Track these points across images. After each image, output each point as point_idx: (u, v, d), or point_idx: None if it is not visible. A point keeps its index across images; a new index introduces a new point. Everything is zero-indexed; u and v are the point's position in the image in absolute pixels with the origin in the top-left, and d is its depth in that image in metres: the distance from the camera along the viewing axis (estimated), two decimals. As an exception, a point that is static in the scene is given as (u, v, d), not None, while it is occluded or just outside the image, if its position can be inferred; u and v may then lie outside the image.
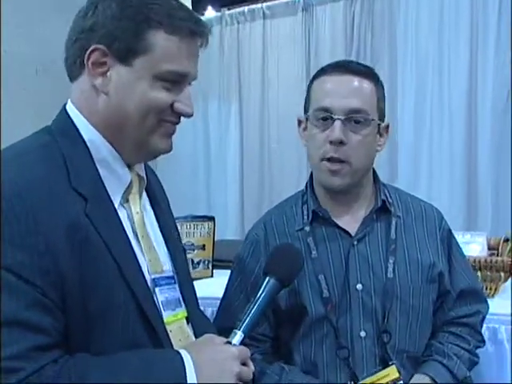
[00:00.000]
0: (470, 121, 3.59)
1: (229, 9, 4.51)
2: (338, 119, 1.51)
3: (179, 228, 2.62)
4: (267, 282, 1.27)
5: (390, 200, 1.62)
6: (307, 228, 1.59)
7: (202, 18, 4.73)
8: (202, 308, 2.17)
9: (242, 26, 4.38)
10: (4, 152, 1.10)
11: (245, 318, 1.22)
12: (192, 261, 2.59)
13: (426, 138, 3.75)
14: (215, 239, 2.69)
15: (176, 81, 1.15)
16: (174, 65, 1.14)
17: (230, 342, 1.18)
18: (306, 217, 1.61)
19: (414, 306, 1.56)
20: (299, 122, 1.66)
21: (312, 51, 4.09)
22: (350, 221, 1.60)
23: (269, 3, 4.30)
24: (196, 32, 1.16)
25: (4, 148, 1.14)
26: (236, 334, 1.19)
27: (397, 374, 1.51)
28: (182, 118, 1.20)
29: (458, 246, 1.73)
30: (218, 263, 2.60)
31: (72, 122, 1.16)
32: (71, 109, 1.18)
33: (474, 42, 3.55)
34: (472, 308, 1.69)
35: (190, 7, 5.52)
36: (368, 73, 1.60)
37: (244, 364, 1.16)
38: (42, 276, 0.98)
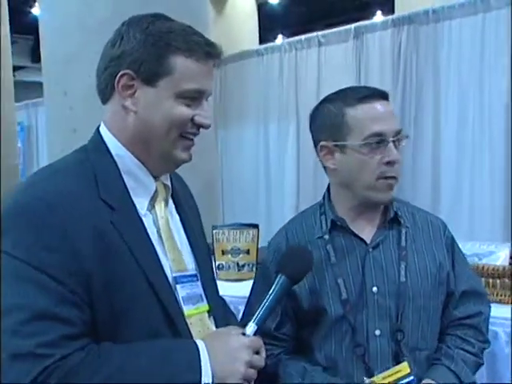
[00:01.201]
0: (510, 140, 3.52)
1: (295, 35, 4.61)
2: (392, 141, 1.53)
3: (227, 234, 2.75)
4: (279, 280, 1.29)
5: (399, 212, 1.64)
6: (326, 236, 1.60)
7: (270, 45, 4.89)
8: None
9: (300, 53, 4.45)
10: (45, 168, 1.20)
11: (258, 311, 1.24)
12: (237, 263, 2.66)
13: (468, 155, 3.71)
14: (259, 245, 2.73)
15: (195, 97, 1.19)
16: (193, 84, 1.17)
17: (244, 333, 1.19)
18: (324, 226, 1.62)
19: (425, 307, 1.57)
20: (322, 148, 1.60)
21: (362, 74, 4.13)
22: (365, 230, 1.61)
23: (324, 32, 4.38)
24: (210, 54, 1.20)
25: (47, 165, 1.24)
26: (250, 326, 1.21)
27: (408, 370, 1.50)
28: (202, 130, 1.24)
29: (461, 251, 1.72)
30: (261, 266, 2.65)
31: (103, 140, 1.21)
32: (103, 128, 1.23)
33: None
34: (475, 308, 1.67)
35: (258, 36, 5.74)
36: (388, 96, 1.61)
37: (257, 353, 1.18)
38: (70, 276, 1.04)
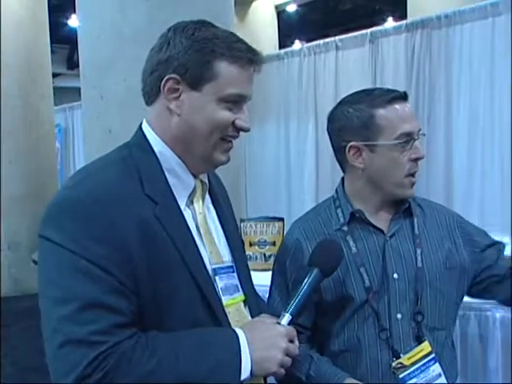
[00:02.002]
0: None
1: (312, 40, 4.58)
2: (417, 139, 1.52)
3: (254, 227, 2.73)
4: (312, 273, 1.27)
5: (411, 203, 1.62)
6: (345, 228, 1.57)
7: (290, 49, 4.86)
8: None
9: (318, 57, 4.40)
10: (91, 165, 1.18)
11: (292, 302, 1.22)
12: (264, 254, 2.63)
13: (478, 153, 3.64)
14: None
15: (237, 101, 1.16)
16: (235, 89, 1.14)
17: (279, 323, 1.18)
18: (342, 218, 1.59)
19: (440, 290, 1.56)
20: (351, 148, 1.56)
21: (378, 77, 4.06)
22: (381, 220, 1.59)
23: (341, 36, 4.33)
24: (253, 60, 1.16)
25: (93, 160, 1.21)
26: (284, 315, 1.19)
27: (429, 349, 1.50)
28: (241, 133, 1.22)
29: (470, 223, 1.71)
30: (286, 257, 2.64)
31: (146, 138, 1.18)
32: (146, 127, 1.20)
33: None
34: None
35: (277, 41, 5.73)
36: (408, 97, 1.58)
37: (291, 341, 1.17)
38: (118, 267, 1.02)
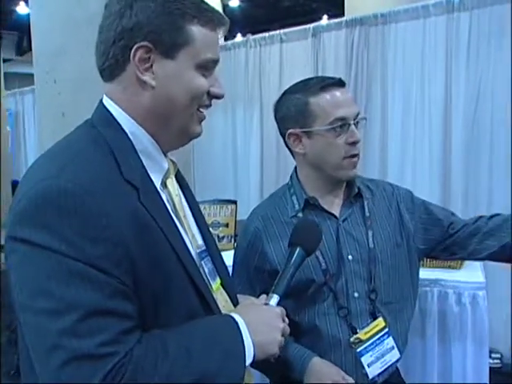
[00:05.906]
0: (446, 127, 3.50)
1: (253, 34, 4.49)
2: (353, 124, 1.48)
3: (208, 209, 2.64)
4: (296, 252, 1.19)
5: (361, 187, 1.60)
6: (300, 214, 1.54)
7: (237, 41, 4.73)
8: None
9: (264, 49, 4.32)
10: (62, 148, 0.97)
11: (278, 283, 1.15)
12: (218, 236, 2.55)
13: (410, 140, 3.66)
14: (237, 219, 2.65)
15: (210, 67, 1.02)
16: (210, 53, 1.00)
17: (267, 304, 1.10)
18: (297, 205, 1.56)
19: (392, 266, 1.55)
20: (290, 135, 1.55)
21: (319, 69, 4.01)
22: (333, 205, 1.57)
23: (285, 30, 4.25)
24: (223, 22, 1.03)
25: (54, 146, 0.99)
26: (273, 296, 1.11)
27: (383, 324, 1.51)
28: (214, 101, 1.08)
29: (418, 198, 1.68)
30: (239, 238, 2.59)
31: (112, 115, 1.01)
32: (110, 104, 1.02)
33: (449, 64, 3.46)
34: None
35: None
36: (345, 83, 1.56)
37: (283, 321, 1.09)
38: (117, 266, 0.85)
